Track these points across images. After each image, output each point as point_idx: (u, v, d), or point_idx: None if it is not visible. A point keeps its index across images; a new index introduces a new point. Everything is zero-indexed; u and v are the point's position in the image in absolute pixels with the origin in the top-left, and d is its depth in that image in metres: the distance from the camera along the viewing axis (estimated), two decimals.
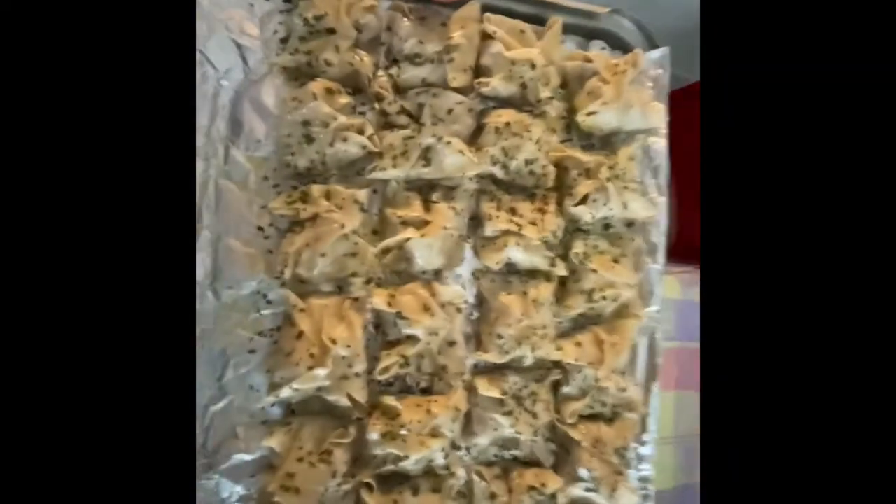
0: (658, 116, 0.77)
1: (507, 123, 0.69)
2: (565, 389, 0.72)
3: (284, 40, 0.67)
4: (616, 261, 0.74)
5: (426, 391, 0.68)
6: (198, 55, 0.63)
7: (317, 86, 0.63)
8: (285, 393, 0.60)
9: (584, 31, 0.79)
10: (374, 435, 0.62)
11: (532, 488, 0.67)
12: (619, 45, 0.80)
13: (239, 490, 0.61)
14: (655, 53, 0.80)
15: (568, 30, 0.77)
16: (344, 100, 0.65)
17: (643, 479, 0.76)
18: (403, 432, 0.61)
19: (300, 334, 0.61)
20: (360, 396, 0.62)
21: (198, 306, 0.62)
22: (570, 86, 0.77)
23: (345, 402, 0.62)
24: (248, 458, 0.62)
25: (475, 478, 0.67)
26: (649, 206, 0.75)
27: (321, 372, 0.59)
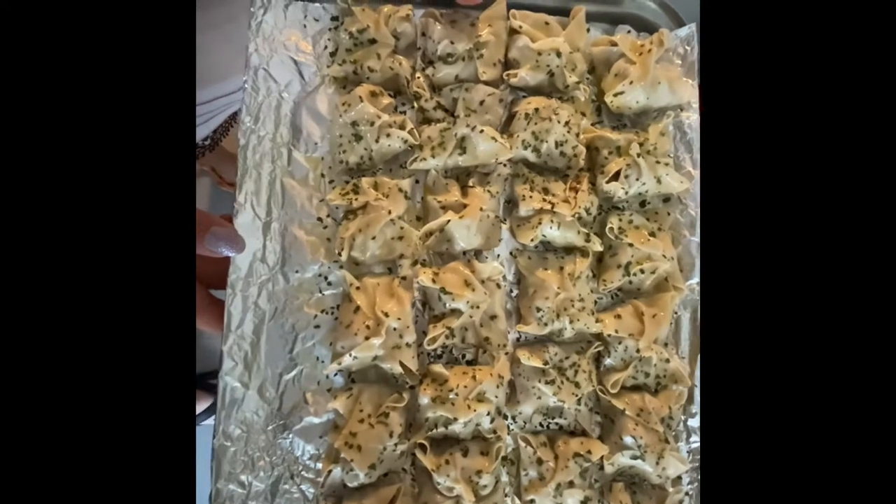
0: (689, 92, 0.78)
1: (536, 109, 0.74)
2: (607, 361, 0.75)
3: (333, 53, 0.76)
4: (653, 234, 0.75)
5: (471, 363, 0.73)
6: (262, 72, 0.73)
7: (362, 90, 0.71)
8: (346, 361, 0.67)
9: (609, 17, 0.82)
10: (425, 399, 0.68)
11: (577, 455, 0.70)
12: (645, 28, 0.82)
13: (310, 449, 0.70)
14: (682, 31, 0.81)
15: (592, 18, 0.81)
16: (386, 100, 0.73)
17: (693, 452, 0.76)
18: (452, 396, 0.67)
19: (357, 309, 0.68)
20: (412, 365, 0.69)
21: (270, 288, 0.71)
22: (598, 70, 0.81)
23: (398, 369, 0.68)
24: (316, 420, 0.70)
25: (521, 444, 0.71)
26: (684, 179, 0.76)
27: (377, 341, 0.66)
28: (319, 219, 0.74)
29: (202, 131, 1.07)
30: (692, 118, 0.80)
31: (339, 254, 0.70)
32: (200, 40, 0.78)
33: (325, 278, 0.73)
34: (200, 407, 1.27)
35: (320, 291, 0.73)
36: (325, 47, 0.76)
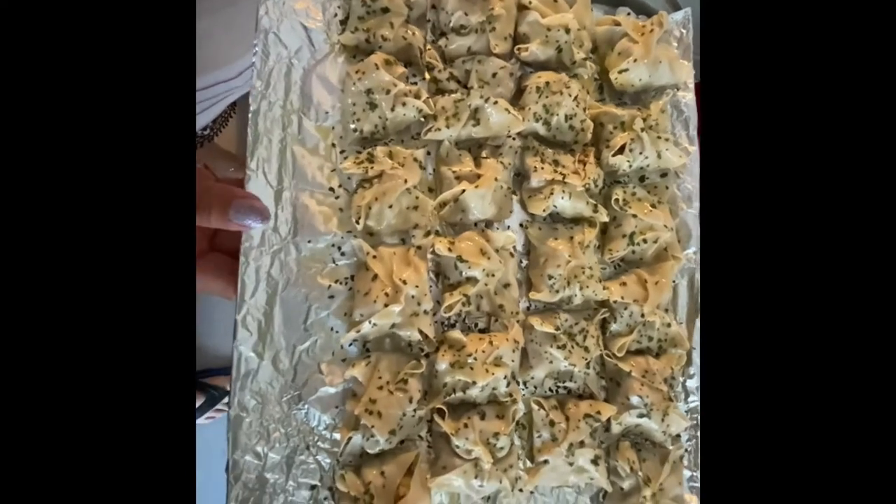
0: (686, 72, 0.83)
1: (548, 83, 0.76)
2: (613, 327, 0.78)
3: (343, 21, 0.75)
4: (654, 206, 0.79)
5: (484, 331, 0.75)
6: (272, 36, 0.71)
7: (377, 58, 0.71)
8: (365, 328, 0.67)
9: None
10: (443, 364, 0.69)
11: (588, 416, 0.73)
12: (643, 11, 0.86)
13: (325, 419, 0.69)
14: (678, 15, 0.85)
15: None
16: (401, 70, 0.73)
17: (692, 410, 0.81)
18: (470, 361, 0.68)
19: (375, 277, 0.68)
20: (430, 332, 0.69)
21: (282, 258, 0.70)
22: (601, 49, 0.84)
23: (416, 336, 0.69)
24: (332, 390, 0.70)
25: (534, 407, 0.73)
26: (682, 154, 0.81)
27: (396, 308, 0.66)
28: (331, 189, 0.73)
29: (202, 120, 1.03)
30: (688, 97, 0.84)
31: (357, 222, 0.69)
32: (200, 25, 0.75)
33: (339, 248, 0.72)
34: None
35: (333, 262, 0.72)
36: (335, 14, 0.75)
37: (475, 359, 0.68)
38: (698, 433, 0.80)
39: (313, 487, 0.68)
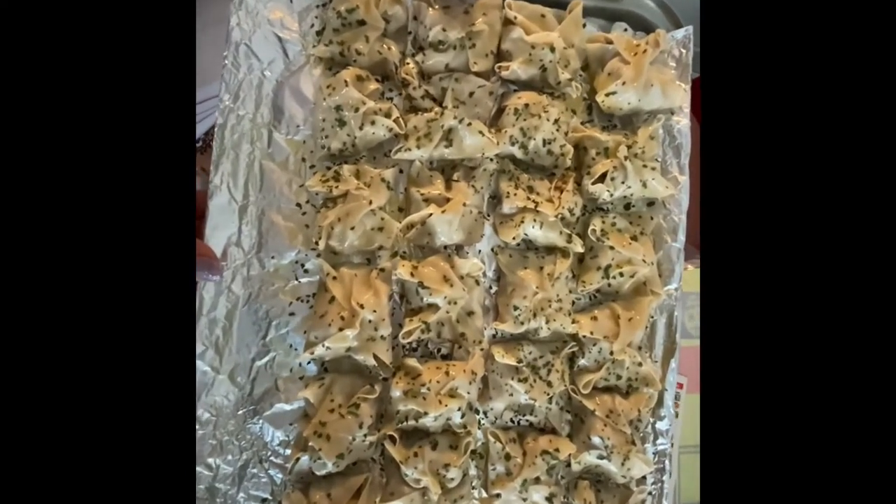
0: (680, 96, 0.77)
1: (526, 105, 0.72)
2: (581, 361, 0.75)
3: (320, 33, 0.73)
4: (635, 238, 0.75)
5: (447, 357, 0.73)
6: (244, 48, 0.70)
7: (348, 73, 0.69)
8: (319, 350, 0.66)
9: (606, 13, 0.81)
10: (397, 392, 0.68)
11: (545, 452, 0.71)
12: (642, 27, 0.81)
13: (280, 435, 0.69)
14: (679, 33, 0.80)
15: (590, 13, 0.79)
16: (373, 86, 0.71)
17: (660, 454, 0.78)
18: (424, 390, 0.67)
19: (332, 299, 0.68)
20: (386, 357, 0.68)
21: (245, 273, 0.70)
22: (591, 67, 0.79)
23: (371, 361, 0.68)
24: (287, 407, 0.70)
25: (491, 439, 0.72)
26: (669, 185, 0.76)
27: (350, 333, 0.66)
28: (298, 204, 0.72)
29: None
30: (682, 123, 0.79)
31: (317, 242, 0.68)
32: None
33: (302, 266, 0.72)
34: None
35: (296, 279, 0.71)
36: (312, 25, 0.73)
37: (429, 389, 0.67)
38: (664, 477, 0.77)
39: (264, 501, 0.69)
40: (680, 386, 0.82)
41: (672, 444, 0.77)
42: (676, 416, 0.80)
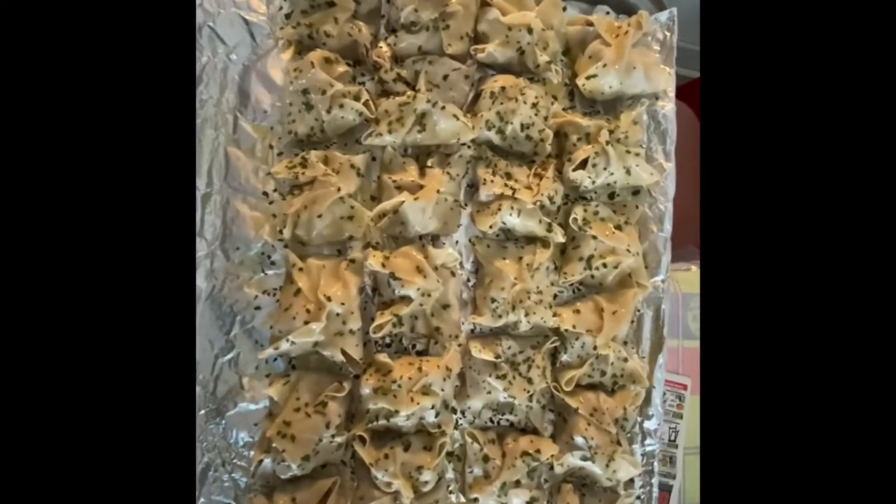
0: (664, 79, 0.74)
1: (503, 88, 0.69)
2: (563, 357, 0.71)
3: (288, 15, 0.70)
4: (619, 228, 0.72)
5: (422, 354, 0.69)
6: (207, 31, 0.68)
7: (315, 55, 0.66)
8: (284, 346, 0.63)
9: None
10: (366, 389, 0.64)
11: (526, 454, 0.67)
12: (625, 10, 0.78)
13: (244, 436, 0.66)
14: (663, 15, 0.77)
15: None
16: (342, 69, 0.68)
17: (648, 455, 0.74)
18: (395, 387, 0.63)
19: (298, 291, 0.64)
20: (355, 353, 0.65)
21: (208, 265, 0.67)
22: (572, 51, 0.76)
23: (340, 357, 0.64)
24: (253, 407, 0.66)
25: (468, 440, 0.68)
26: (655, 172, 0.73)
27: (316, 326, 0.62)
28: (265, 193, 0.69)
29: None
30: (667, 107, 0.76)
31: (282, 231, 0.65)
32: None
33: (269, 257, 0.68)
34: None
35: (263, 271, 0.68)
36: (281, 8, 0.71)
37: (400, 386, 0.63)
38: (653, 480, 0.73)
39: None
40: (684, 387, 0.80)
41: (677, 446, 0.73)
42: (680, 417, 0.77)
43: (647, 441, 0.73)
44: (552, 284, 0.72)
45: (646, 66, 0.72)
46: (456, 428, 0.69)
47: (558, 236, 0.70)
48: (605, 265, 0.71)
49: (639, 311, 0.74)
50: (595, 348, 0.69)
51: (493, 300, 0.68)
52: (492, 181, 0.69)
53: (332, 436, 0.63)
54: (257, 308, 0.67)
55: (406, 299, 0.66)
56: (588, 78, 0.72)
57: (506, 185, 0.69)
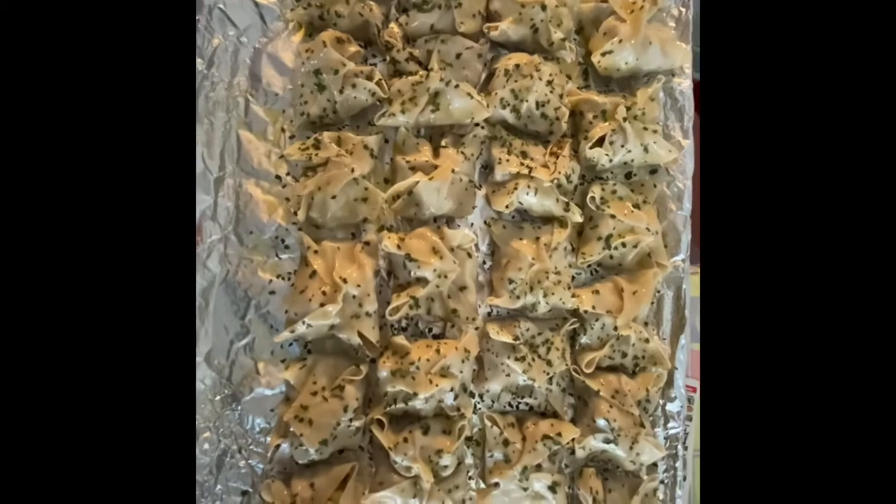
0: (681, 55, 0.73)
1: (517, 66, 0.68)
2: (583, 339, 0.70)
3: None
4: (637, 206, 0.70)
5: (438, 337, 0.68)
6: (218, 13, 0.67)
7: (327, 35, 0.66)
8: (300, 329, 0.62)
9: None
10: (384, 372, 0.63)
11: (547, 437, 0.65)
12: None
13: (260, 422, 0.65)
14: None
15: None
16: (353, 48, 0.67)
17: (671, 438, 0.72)
18: (413, 370, 0.62)
19: (313, 273, 0.63)
20: (372, 335, 0.64)
21: (221, 250, 0.66)
22: (586, 30, 0.75)
23: (356, 339, 0.63)
24: (268, 392, 0.65)
25: (487, 423, 0.67)
26: (673, 148, 0.71)
27: (332, 308, 0.61)
28: (278, 177, 0.68)
29: None
30: (684, 84, 0.75)
31: (296, 213, 0.64)
32: None
33: (283, 241, 0.67)
34: None
35: (277, 255, 0.67)
36: None
37: (418, 368, 0.62)
38: (678, 464, 0.72)
39: (244, 493, 0.64)
40: (693, 390, 0.78)
41: (686, 447, 0.72)
42: (690, 419, 0.76)
43: (671, 424, 0.72)
44: (570, 266, 0.70)
45: (662, 42, 0.71)
46: (475, 412, 0.67)
47: (576, 216, 0.69)
48: (624, 245, 0.69)
49: (659, 291, 0.72)
50: (615, 329, 0.68)
51: (511, 281, 0.67)
52: (507, 160, 0.68)
53: (350, 419, 0.62)
54: (272, 293, 0.67)
55: (422, 281, 0.65)
56: (603, 55, 0.70)
57: (522, 163, 0.68)
